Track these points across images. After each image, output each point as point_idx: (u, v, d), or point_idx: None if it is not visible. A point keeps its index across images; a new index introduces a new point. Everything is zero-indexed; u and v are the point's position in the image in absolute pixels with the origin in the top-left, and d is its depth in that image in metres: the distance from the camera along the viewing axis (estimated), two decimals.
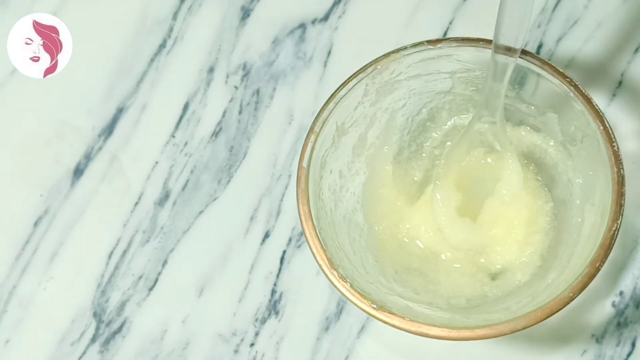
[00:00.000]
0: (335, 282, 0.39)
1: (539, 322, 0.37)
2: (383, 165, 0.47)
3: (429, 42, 0.42)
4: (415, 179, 0.47)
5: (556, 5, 0.53)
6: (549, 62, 0.41)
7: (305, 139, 0.41)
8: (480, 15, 0.53)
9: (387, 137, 0.46)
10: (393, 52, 0.42)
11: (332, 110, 0.41)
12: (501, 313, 0.39)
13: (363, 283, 0.40)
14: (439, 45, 0.42)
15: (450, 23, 0.53)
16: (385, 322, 0.38)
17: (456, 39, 0.42)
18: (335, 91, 0.42)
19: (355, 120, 0.43)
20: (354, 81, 0.42)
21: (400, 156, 0.47)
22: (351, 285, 0.38)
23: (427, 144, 0.48)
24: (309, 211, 0.40)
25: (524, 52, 0.41)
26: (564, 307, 0.37)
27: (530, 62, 0.41)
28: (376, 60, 0.42)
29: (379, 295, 0.40)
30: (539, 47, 0.52)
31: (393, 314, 0.38)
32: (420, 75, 0.43)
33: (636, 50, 0.52)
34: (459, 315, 0.41)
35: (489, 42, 0.40)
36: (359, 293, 0.38)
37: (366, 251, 0.44)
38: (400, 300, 0.41)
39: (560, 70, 0.41)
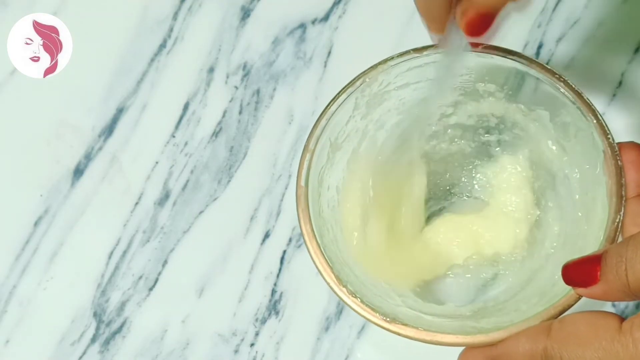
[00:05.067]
0: (346, 299, 0.38)
1: (552, 319, 0.37)
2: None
3: (415, 50, 0.42)
4: None
5: (556, 5, 0.53)
6: (536, 60, 0.41)
7: (301, 158, 0.41)
8: None
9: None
10: (380, 63, 0.42)
11: (325, 126, 0.41)
12: (512, 315, 0.39)
13: (372, 297, 0.39)
14: (425, 53, 0.41)
15: None
16: (399, 334, 0.38)
17: None
18: (325, 107, 0.42)
19: (347, 134, 0.43)
20: (344, 96, 0.42)
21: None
22: (361, 301, 0.38)
23: None
24: (312, 230, 0.40)
25: (510, 52, 0.41)
26: (575, 302, 0.37)
27: (517, 61, 0.41)
28: (364, 73, 0.42)
29: (389, 307, 0.40)
30: (539, 47, 0.52)
31: (406, 325, 0.38)
32: (408, 84, 0.43)
33: (636, 50, 0.52)
34: (470, 320, 0.41)
35: (475, 45, 0.40)
36: (370, 307, 0.38)
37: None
38: (410, 311, 0.41)
39: (548, 67, 0.41)
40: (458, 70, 0.39)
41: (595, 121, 0.39)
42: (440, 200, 0.47)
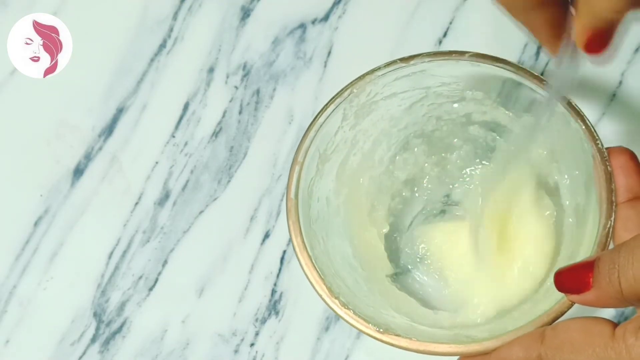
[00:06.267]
0: (338, 311, 0.38)
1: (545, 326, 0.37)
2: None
3: (402, 59, 0.42)
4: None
5: None
6: (523, 67, 0.41)
7: (290, 170, 0.41)
8: (480, 16, 0.53)
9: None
10: (367, 73, 0.42)
11: (313, 138, 0.41)
12: (505, 322, 0.39)
13: (364, 308, 0.39)
14: (412, 62, 0.41)
15: (451, 23, 0.53)
16: (392, 345, 0.38)
17: (428, 54, 0.41)
18: (314, 119, 0.42)
19: (336, 145, 0.43)
20: (332, 107, 0.42)
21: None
22: (354, 312, 0.38)
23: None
24: (303, 242, 0.40)
25: (497, 60, 0.41)
26: (568, 309, 0.37)
27: (504, 69, 0.41)
28: (352, 84, 0.42)
29: (381, 318, 0.40)
30: (539, 47, 0.52)
31: (399, 335, 0.38)
32: (396, 93, 0.43)
33: (636, 50, 0.52)
34: (463, 329, 0.41)
35: (462, 53, 0.40)
36: (362, 319, 0.38)
37: (358, 277, 0.44)
38: (403, 321, 0.41)
39: (535, 74, 0.40)
40: (567, 93, 0.38)
41: (583, 127, 0.39)
42: (432, 206, 0.47)
